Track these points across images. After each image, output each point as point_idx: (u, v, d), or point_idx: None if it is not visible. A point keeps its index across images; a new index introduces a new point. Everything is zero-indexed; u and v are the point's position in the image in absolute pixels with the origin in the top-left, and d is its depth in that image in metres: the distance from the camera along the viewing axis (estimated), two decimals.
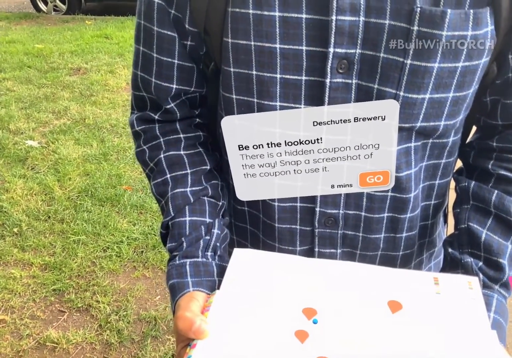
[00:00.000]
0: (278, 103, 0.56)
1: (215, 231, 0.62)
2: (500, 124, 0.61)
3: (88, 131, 3.19)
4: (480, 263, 0.58)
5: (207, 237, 0.61)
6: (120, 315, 1.82)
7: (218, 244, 0.62)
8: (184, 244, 0.60)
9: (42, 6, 6.40)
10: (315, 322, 0.50)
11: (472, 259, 0.59)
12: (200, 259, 0.59)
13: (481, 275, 0.57)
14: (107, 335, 1.74)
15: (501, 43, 0.53)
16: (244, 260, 0.58)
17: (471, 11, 0.49)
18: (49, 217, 2.37)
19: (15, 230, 2.27)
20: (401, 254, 0.67)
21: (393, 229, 0.64)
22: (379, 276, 0.55)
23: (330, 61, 0.52)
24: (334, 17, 0.50)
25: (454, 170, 0.69)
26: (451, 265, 0.61)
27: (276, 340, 0.49)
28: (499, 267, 0.58)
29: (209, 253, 0.60)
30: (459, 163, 0.70)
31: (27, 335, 1.75)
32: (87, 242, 2.20)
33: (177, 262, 0.59)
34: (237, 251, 0.59)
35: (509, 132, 0.61)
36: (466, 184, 0.64)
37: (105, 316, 1.82)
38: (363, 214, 0.62)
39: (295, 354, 0.47)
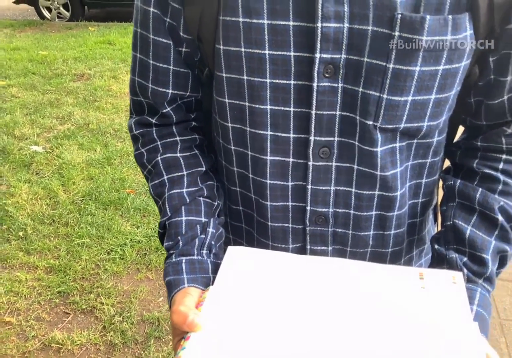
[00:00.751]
0: (268, 107, 0.58)
1: (210, 230, 0.64)
2: (485, 124, 0.63)
3: (91, 136, 3.22)
4: (465, 258, 0.60)
5: (203, 236, 0.63)
6: (123, 316, 1.85)
7: (213, 242, 0.64)
8: (180, 243, 0.62)
9: (46, 13, 6.46)
10: (305, 317, 0.52)
11: (457, 255, 0.61)
12: (195, 257, 0.61)
13: (465, 270, 0.59)
14: (111, 336, 1.77)
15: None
16: (237, 257, 0.60)
17: (450, 16, 0.51)
18: (53, 221, 2.40)
19: (21, 233, 2.31)
20: (391, 250, 0.69)
21: (382, 226, 0.66)
22: (367, 272, 0.57)
23: (316, 66, 0.54)
24: (319, 24, 0.52)
25: (442, 169, 0.71)
26: (437, 261, 0.63)
27: (266, 335, 0.50)
28: (482, 262, 0.59)
29: (204, 251, 0.62)
30: (447, 163, 0.72)
31: (32, 336, 1.77)
32: (91, 245, 2.22)
33: (174, 259, 0.61)
34: (230, 249, 0.61)
35: (493, 132, 0.63)
36: (452, 182, 0.66)
37: (109, 317, 1.84)
38: (352, 212, 0.64)
39: (285, 349, 0.49)
